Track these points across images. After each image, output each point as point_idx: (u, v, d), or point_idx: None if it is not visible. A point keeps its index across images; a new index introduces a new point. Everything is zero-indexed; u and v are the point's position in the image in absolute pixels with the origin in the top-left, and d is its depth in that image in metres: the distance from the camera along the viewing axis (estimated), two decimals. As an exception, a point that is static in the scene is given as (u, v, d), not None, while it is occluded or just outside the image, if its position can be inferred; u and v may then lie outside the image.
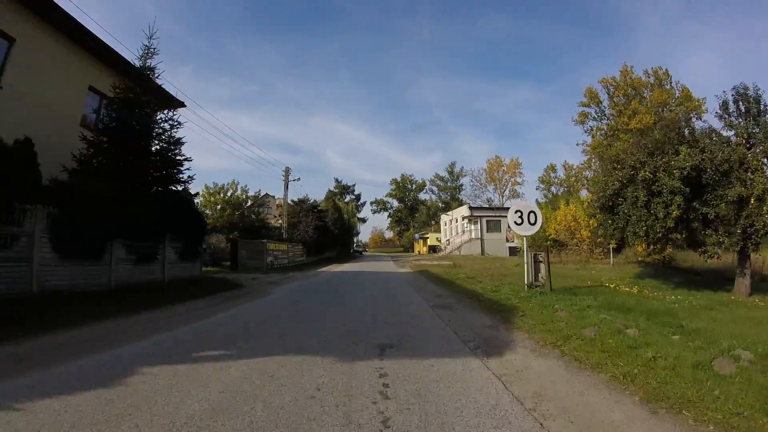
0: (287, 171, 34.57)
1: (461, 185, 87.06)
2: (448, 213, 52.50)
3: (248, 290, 12.91)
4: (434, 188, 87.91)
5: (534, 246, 29.62)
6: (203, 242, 15.96)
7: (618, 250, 24.58)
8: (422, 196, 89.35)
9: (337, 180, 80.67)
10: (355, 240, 77.57)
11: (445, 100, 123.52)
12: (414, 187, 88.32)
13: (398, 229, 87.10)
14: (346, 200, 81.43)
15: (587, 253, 24.11)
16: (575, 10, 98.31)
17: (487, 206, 55.87)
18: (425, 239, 56.66)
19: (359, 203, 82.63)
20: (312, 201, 36.80)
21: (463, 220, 47.05)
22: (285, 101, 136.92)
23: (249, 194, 35.06)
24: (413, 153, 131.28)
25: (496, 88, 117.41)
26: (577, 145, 61.57)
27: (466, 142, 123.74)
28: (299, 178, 35.55)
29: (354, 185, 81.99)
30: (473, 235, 43.85)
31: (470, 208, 46.78)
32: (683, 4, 78.22)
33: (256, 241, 24.05)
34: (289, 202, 37.02)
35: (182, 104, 18.40)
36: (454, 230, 50.01)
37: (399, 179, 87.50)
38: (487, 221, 44.33)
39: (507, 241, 43.25)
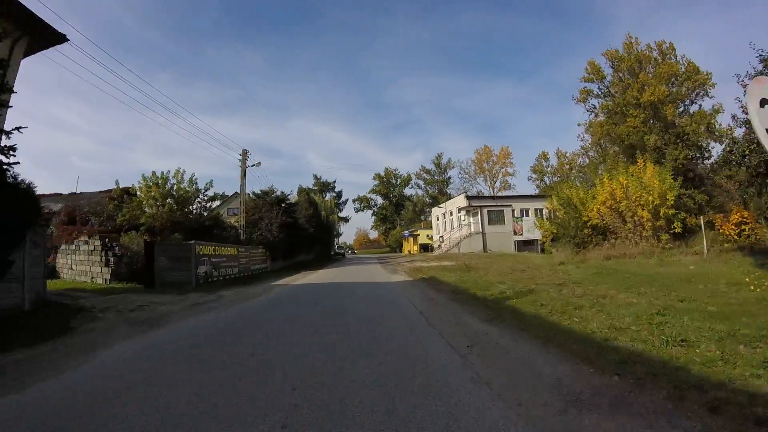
0: (244, 155, 26.83)
1: (449, 178, 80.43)
2: (440, 205, 45.41)
3: (37, 354, 5.34)
4: (420, 182, 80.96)
5: (566, 237, 22.57)
6: (22, 242, 8.40)
7: (683, 233, 17.79)
8: (408, 191, 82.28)
9: (315, 176, 72.84)
10: (336, 241, 69.96)
11: (424, 98, 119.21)
12: (399, 182, 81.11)
13: (383, 227, 79.66)
14: (326, 198, 73.77)
15: (649, 241, 17.19)
16: (551, 3, 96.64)
17: (487, 195, 49.20)
18: (415, 237, 49.30)
19: (340, 201, 75.07)
20: (278, 193, 29.03)
21: (459, 212, 39.99)
22: (265, 105, 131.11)
23: (200, 186, 26.94)
24: (395, 152, 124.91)
25: (475, 84, 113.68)
26: (579, 125, 55.67)
27: (447, 139, 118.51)
28: (260, 163, 27.55)
29: (334, 182, 74.36)
30: (473, 229, 36.80)
31: (468, 197, 39.76)
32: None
33: (179, 244, 16.36)
34: (250, 194, 29.28)
35: (61, 37, 10.78)
36: (449, 224, 42.94)
37: (383, 174, 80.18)
38: (488, 212, 37.34)
39: (515, 234, 36.34)
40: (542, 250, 38.61)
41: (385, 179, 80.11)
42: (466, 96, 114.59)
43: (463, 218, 39.16)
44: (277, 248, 26.31)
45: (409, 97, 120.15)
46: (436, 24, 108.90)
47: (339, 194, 74.47)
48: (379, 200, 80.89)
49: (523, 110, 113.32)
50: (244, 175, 26.51)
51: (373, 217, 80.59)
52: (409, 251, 47.72)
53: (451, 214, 42.76)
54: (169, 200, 23.75)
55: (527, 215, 38.42)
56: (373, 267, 25.98)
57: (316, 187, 72.40)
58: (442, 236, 43.87)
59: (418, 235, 48.47)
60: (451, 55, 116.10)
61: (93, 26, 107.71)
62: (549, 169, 70.54)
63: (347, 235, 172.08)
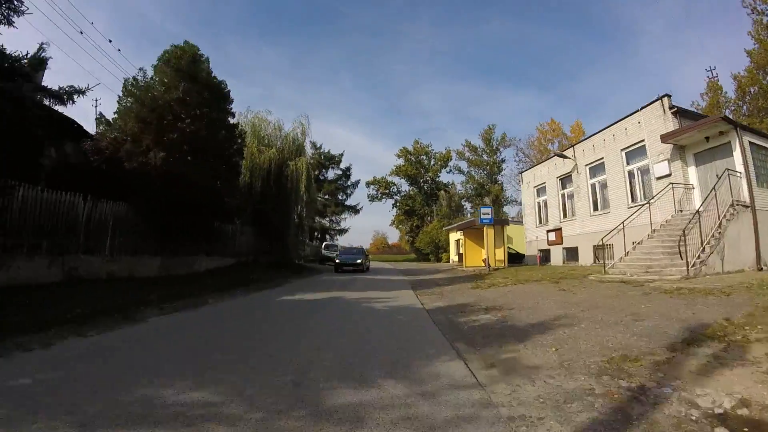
0: None
1: (503, 160, 54.06)
2: (561, 153, 18.18)
3: None
4: (463, 164, 54.65)
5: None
6: None
7: None
8: (445, 178, 56.26)
9: (314, 144, 47.23)
10: (336, 238, 44.22)
11: (445, 106, 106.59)
12: (433, 162, 54.84)
13: (408, 224, 53.42)
14: (329, 176, 48.29)
15: None
16: (577, 16, 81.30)
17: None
18: (502, 227, 20.18)
19: (348, 183, 49.51)
20: None
21: (641, 153, 13.54)
22: (283, 104, 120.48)
23: None
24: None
25: (495, 93, 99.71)
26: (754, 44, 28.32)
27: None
28: None
29: (342, 154, 48.73)
30: (746, 193, 10.26)
31: (679, 112, 13.17)
32: (684, 11, 63.51)
33: None
34: None
35: None
36: (587, 193, 16.24)
37: (410, 148, 54.09)
38: (751, 147, 11.01)
39: None
40: None
41: (413, 156, 53.95)
42: (485, 105, 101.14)
43: (666, 170, 12.67)
44: None
45: (429, 103, 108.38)
46: (459, 31, 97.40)
47: (346, 172, 48.75)
48: (404, 186, 54.79)
49: (544, 122, 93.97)
50: None
51: (395, 209, 54.40)
52: (485, 263, 17.04)
53: (591, 175, 16.12)
54: None
55: None
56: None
57: (312, 160, 46.97)
58: (558, 229, 17.28)
59: (507, 223, 19.88)
60: (473, 63, 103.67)
61: (117, 17, 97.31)
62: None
63: (360, 237, 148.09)
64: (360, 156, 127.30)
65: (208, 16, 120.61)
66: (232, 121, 11.72)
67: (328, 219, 46.19)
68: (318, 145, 47.41)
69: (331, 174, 48.57)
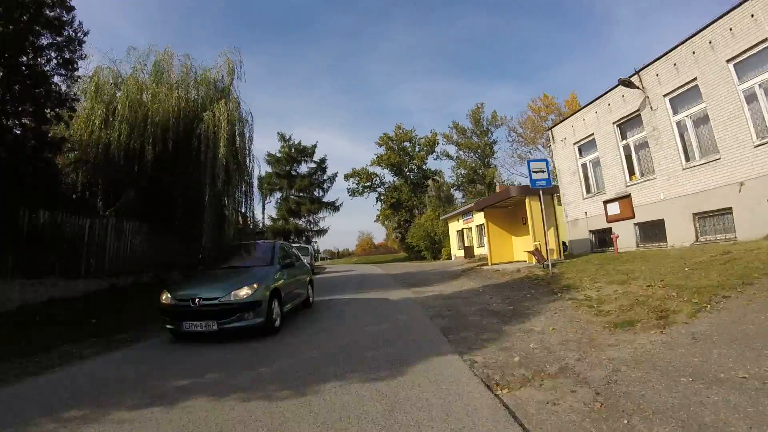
0: None
1: (494, 141, 49.21)
2: (626, 80, 12.71)
3: None
4: (451, 148, 49.53)
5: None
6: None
7: None
8: (432, 165, 51.08)
9: (282, 135, 41.35)
10: (313, 242, 38.49)
11: (425, 104, 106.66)
12: (418, 148, 49.38)
13: (396, 220, 47.81)
14: (302, 170, 42.28)
15: None
16: (549, 6, 79.57)
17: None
18: (552, 201, 11.50)
19: (324, 178, 43.60)
20: None
21: (764, 61, 8.25)
22: (264, 113, 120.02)
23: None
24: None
25: (474, 89, 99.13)
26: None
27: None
28: None
29: (315, 145, 42.76)
30: None
31: None
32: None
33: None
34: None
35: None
36: (673, 137, 10.93)
37: (392, 134, 48.40)
38: None
39: None
40: None
41: (395, 143, 48.35)
42: (465, 100, 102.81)
43: None
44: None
45: (409, 102, 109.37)
46: (434, 29, 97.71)
47: (321, 165, 42.86)
48: (388, 177, 49.17)
49: (535, 98, 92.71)
50: None
51: (379, 203, 48.69)
52: (536, 255, 10.43)
53: (675, 109, 10.83)
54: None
55: None
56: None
57: (281, 154, 41.14)
58: (625, 196, 11.95)
59: (557, 191, 12.45)
60: (450, 59, 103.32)
61: (89, 29, 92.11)
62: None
63: (344, 239, 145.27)
64: (342, 158, 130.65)
65: (184, 28, 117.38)
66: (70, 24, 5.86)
67: (304, 219, 40.25)
68: (287, 137, 41.46)
69: (304, 168, 42.65)
